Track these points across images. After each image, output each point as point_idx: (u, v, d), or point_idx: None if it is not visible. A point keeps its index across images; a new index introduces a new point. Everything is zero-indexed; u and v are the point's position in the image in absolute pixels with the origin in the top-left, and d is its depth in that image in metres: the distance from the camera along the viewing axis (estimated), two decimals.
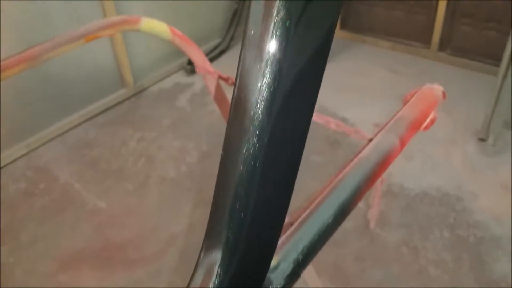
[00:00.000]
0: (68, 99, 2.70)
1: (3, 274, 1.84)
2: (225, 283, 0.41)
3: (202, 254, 0.42)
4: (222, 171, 0.41)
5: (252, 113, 0.38)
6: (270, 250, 0.45)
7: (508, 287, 1.72)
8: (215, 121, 2.70)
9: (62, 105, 2.68)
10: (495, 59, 2.80)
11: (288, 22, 0.36)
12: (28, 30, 2.37)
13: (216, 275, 0.41)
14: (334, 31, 0.40)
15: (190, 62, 3.21)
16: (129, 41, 2.92)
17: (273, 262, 0.46)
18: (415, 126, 0.64)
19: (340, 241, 1.91)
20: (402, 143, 0.60)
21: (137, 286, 1.78)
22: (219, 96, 1.29)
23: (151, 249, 1.94)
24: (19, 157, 2.48)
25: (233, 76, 0.45)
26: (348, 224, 1.95)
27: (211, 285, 0.40)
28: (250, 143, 0.39)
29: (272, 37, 0.36)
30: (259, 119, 0.38)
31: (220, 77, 1.25)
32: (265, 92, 0.38)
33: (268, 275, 0.45)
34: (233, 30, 3.60)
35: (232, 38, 3.59)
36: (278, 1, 0.36)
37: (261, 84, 0.37)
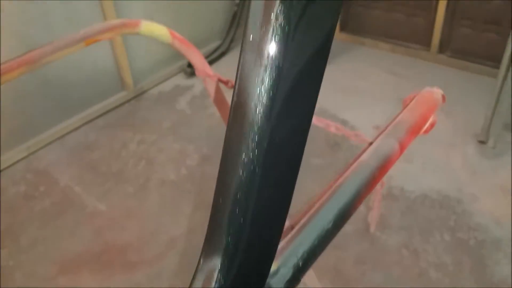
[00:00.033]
0: (68, 102, 2.70)
1: (3, 277, 1.84)
2: None
3: (201, 259, 0.42)
4: (221, 176, 0.41)
5: (251, 117, 0.38)
6: (270, 255, 0.45)
7: None
8: (215, 123, 2.70)
9: (62, 107, 2.68)
10: (495, 61, 2.80)
11: (287, 25, 0.36)
12: (28, 30, 2.37)
13: (216, 281, 0.41)
14: (333, 34, 0.40)
15: (190, 65, 3.21)
16: (129, 44, 2.92)
17: (273, 267, 0.46)
18: (414, 130, 0.64)
19: (340, 244, 1.90)
20: (402, 147, 0.60)
21: None
22: (219, 99, 1.29)
23: (151, 252, 1.93)
24: (19, 160, 2.48)
25: (232, 79, 0.45)
26: (348, 227, 1.95)
27: None
28: (249, 148, 0.39)
29: (271, 40, 0.36)
30: (259, 124, 0.38)
31: (219, 80, 1.25)
32: (265, 96, 0.38)
33: (268, 280, 0.45)
34: (233, 32, 3.60)
35: (232, 40, 3.59)
36: (277, 4, 0.35)
37: (261, 89, 0.37)
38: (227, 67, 3.29)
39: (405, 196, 2.15)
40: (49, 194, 2.25)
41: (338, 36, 3.66)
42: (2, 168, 2.41)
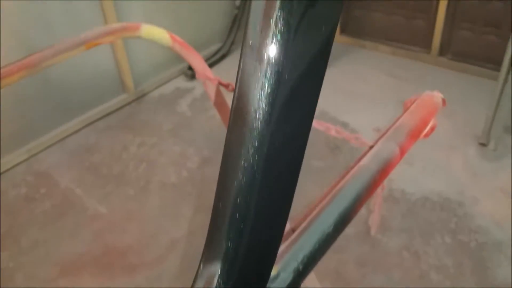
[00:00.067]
0: (69, 104, 2.71)
1: (3, 279, 1.84)
2: None
3: (201, 265, 0.42)
4: (221, 181, 0.41)
5: (251, 122, 0.38)
6: (270, 260, 0.45)
7: None
8: (216, 125, 2.70)
9: (62, 110, 2.68)
10: (495, 63, 2.80)
11: (287, 29, 0.36)
12: (28, 30, 2.37)
13: (216, 286, 0.41)
14: (333, 38, 0.40)
15: (190, 67, 3.22)
16: (129, 47, 2.92)
17: (273, 272, 0.46)
18: (415, 134, 0.64)
19: (341, 246, 1.90)
20: (402, 151, 0.60)
21: None
22: (219, 102, 1.29)
23: (151, 255, 1.93)
24: (20, 163, 2.48)
25: (233, 82, 0.45)
26: (349, 229, 1.95)
27: None
28: (249, 153, 0.39)
29: (271, 44, 0.36)
30: (258, 129, 0.38)
31: (220, 84, 1.25)
32: (264, 101, 0.38)
33: (268, 285, 0.45)
34: (234, 35, 3.61)
35: (233, 43, 3.60)
36: (277, 9, 0.35)
37: (260, 94, 0.37)
38: (228, 70, 3.30)
39: (406, 198, 2.15)
40: (49, 197, 2.25)
41: (339, 39, 3.66)
42: (2, 170, 2.41)
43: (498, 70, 2.29)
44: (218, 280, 0.40)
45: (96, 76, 2.82)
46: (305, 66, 0.38)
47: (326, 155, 2.46)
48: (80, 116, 2.77)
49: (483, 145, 2.44)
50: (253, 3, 0.37)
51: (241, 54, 0.38)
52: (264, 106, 0.38)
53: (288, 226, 0.57)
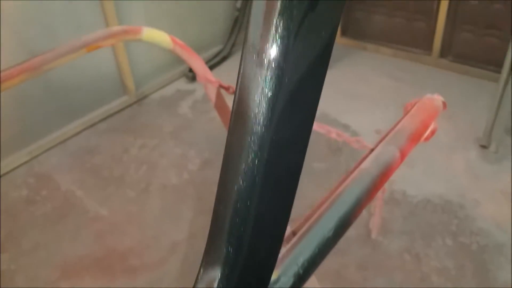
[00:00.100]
0: (70, 106, 2.71)
1: (4, 281, 1.84)
2: None
3: (202, 269, 0.42)
4: (222, 185, 0.41)
5: (251, 127, 0.38)
6: (270, 264, 0.44)
7: None
8: (217, 127, 2.70)
9: (63, 112, 2.68)
10: (496, 65, 2.80)
11: (287, 33, 0.36)
12: (28, 30, 2.37)
13: None
14: (333, 42, 0.40)
15: (191, 69, 3.22)
16: (130, 49, 2.93)
17: (273, 276, 0.46)
18: (415, 137, 0.64)
19: (342, 249, 1.90)
20: (403, 154, 0.60)
21: None
22: (220, 105, 1.29)
23: (152, 257, 1.93)
24: (21, 165, 2.48)
25: (234, 84, 0.45)
26: (350, 232, 1.93)
27: None
28: (249, 157, 0.39)
29: (272, 47, 0.36)
30: (258, 133, 0.38)
31: (221, 86, 1.25)
32: (265, 105, 0.38)
33: None
34: (235, 37, 3.62)
35: (233, 45, 3.60)
36: (277, 13, 0.35)
37: (260, 98, 0.37)
38: (229, 72, 3.30)
39: (407, 200, 2.15)
40: (50, 199, 2.25)
41: (339, 41, 3.67)
42: (3, 172, 2.41)
43: (499, 72, 2.29)
44: (218, 284, 0.40)
45: (97, 78, 2.82)
46: (305, 70, 0.38)
47: (328, 156, 2.46)
48: (81, 118, 2.78)
49: (484, 147, 2.43)
50: (253, 8, 0.37)
51: (241, 58, 0.38)
52: (264, 110, 0.38)
53: (289, 229, 0.57)
